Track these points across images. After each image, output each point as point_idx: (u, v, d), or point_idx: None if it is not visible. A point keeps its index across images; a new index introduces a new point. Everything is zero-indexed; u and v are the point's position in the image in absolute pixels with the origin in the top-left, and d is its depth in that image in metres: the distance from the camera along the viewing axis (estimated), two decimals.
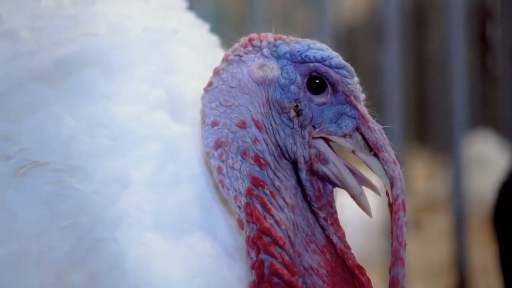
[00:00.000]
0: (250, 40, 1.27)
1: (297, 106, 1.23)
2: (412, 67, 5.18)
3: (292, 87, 1.23)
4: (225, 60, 1.27)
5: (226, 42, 1.55)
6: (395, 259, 1.18)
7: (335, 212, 1.26)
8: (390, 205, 1.19)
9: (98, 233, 1.19)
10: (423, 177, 5.51)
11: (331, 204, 1.25)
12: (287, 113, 1.23)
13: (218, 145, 1.23)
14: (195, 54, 1.41)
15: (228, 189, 1.23)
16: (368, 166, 1.22)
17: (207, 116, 1.25)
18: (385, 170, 1.20)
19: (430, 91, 5.66)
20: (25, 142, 1.21)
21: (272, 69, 1.24)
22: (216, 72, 1.27)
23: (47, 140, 1.22)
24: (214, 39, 1.52)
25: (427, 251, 4.15)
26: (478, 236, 4.02)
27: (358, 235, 2.41)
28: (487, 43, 5.38)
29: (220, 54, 1.50)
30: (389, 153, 1.20)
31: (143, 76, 1.31)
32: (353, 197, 1.24)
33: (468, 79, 3.95)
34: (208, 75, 1.33)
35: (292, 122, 1.23)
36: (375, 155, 1.21)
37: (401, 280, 1.18)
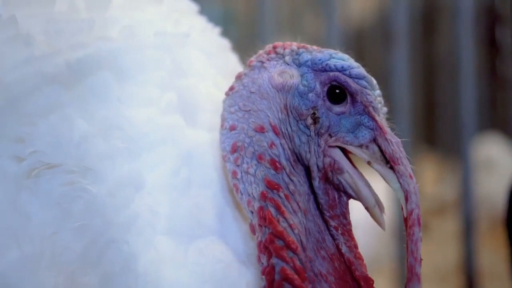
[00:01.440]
0: (274, 47, 1.29)
1: (314, 113, 1.24)
2: (420, 70, 5.18)
3: (310, 94, 1.24)
4: (248, 65, 1.29)
5: (236, 44, 1.57)
6: (411, 275, 1.18)
7: (349, 223, 1.26)
8: (405, 220, 1.19)
9: (111, 235, 1.19)
10: (432, 179, 5.49)
11: (344, 215, 1.25)
12: (304, 120, 1.24)
13: (234, 149, 1.24)
14: (206, 57, 1.42)
15: (241, 194, 1.24)
16: (384, 179, 1.22)
17: (226, 120, 1.26)
18: (400, 183, 1.19)
19: (438, 94, 5.65)
20: (38, 144, 1.22)
21: (292, 76, 1.25)
22: (238, 77, 1.28)
23: (61, 142, 1.23)
24: (225, 43, 1.54)
25: (436, 254, 4.14)
26: (486, 239, 4.01)
27: (367, 236, 2.42)
28: (496, 46, 5.38)
29: (230, 57, 1.51)
30: (405, 166, 1.20)
31: (155, 79, 1.32)
32: (367, 208, 1.24)
33: (477, 82, 3.94)
34: (219, 78, 1.34)
35: (309, 129, 1.24)
36: (391, 167, 1.21)
37: None
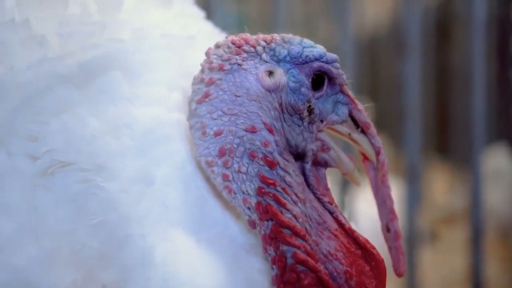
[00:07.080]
0: (239, 46, 1.29)
1: (309, 106, 1.30)
2: (433, 79, 5.18)
3: (302, 89, 1.30)
4: (220, 69, 1.28)
5: None
6: (393, 215, 1.33)
7: (329, 190, 1.36)
8: (376, 170, 1.35)
9: (127, 230, 1.24)
10: (442, 189, 5.49)
11: (326, 186, 1.35)
12: (299, 113, 1.30)
13: (222, 153, 1.26)
14: None
15: (235, 193, 1.27)
16: (358, 143, 1.35)
17: (207, 126, 1.27)
18: (372, 143, 1.34)
19: (451, 104, 5.64)
20: (52, 143, 1.26)
21: (280, 74, 1.29)
22: (212, 82, 1.28)
23: (73, 140, 1.27)
24: None
25: (444, 262, 4.14)
26: (494, 250, 4.00)
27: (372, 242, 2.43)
28: (509, 57, 5.36)
29: None
30: (373, 127, 1.34)
31: (162, 80, 1.36)
32: (347, 173, 1.37)
33: (490, 92, 3.94)
34: None
35: (302, 121, 1.30)
36: (362, 131, 1.34)
37: (401, 232, 1.31)
